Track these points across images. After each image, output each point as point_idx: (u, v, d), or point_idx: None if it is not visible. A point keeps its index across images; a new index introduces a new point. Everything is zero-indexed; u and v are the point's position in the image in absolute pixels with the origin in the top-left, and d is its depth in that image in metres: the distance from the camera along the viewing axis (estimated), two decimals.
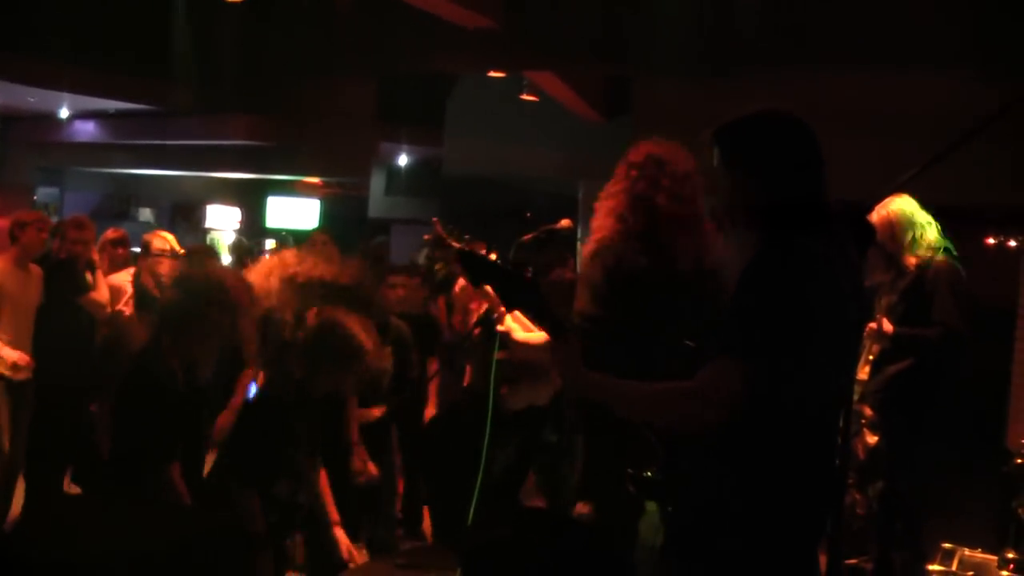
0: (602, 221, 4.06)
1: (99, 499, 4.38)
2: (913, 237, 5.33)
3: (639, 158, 4.04)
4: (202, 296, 4.33)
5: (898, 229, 5.32)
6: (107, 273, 7.27)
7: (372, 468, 5.64)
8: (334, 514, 4.55)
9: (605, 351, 2.69)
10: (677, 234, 3.94)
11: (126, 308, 6.94)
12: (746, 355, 2.42)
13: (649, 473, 2.77)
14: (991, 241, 14.71)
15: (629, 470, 2.82)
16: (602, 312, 3.83)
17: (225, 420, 5.27)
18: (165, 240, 7.27)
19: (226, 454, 4.44)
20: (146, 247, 7.23)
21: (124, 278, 7.14)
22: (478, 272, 3.03)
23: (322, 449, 4.61)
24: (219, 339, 4.48)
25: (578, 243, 14.26)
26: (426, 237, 4.35)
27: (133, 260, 7.72)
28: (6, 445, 6.35)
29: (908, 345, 5.29)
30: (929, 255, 5.31)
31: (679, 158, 4.00)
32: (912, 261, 5.32)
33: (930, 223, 5.36)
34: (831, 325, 2.50)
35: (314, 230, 9.51)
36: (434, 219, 4.40)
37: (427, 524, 7.08)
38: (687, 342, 2.69)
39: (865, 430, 5.37)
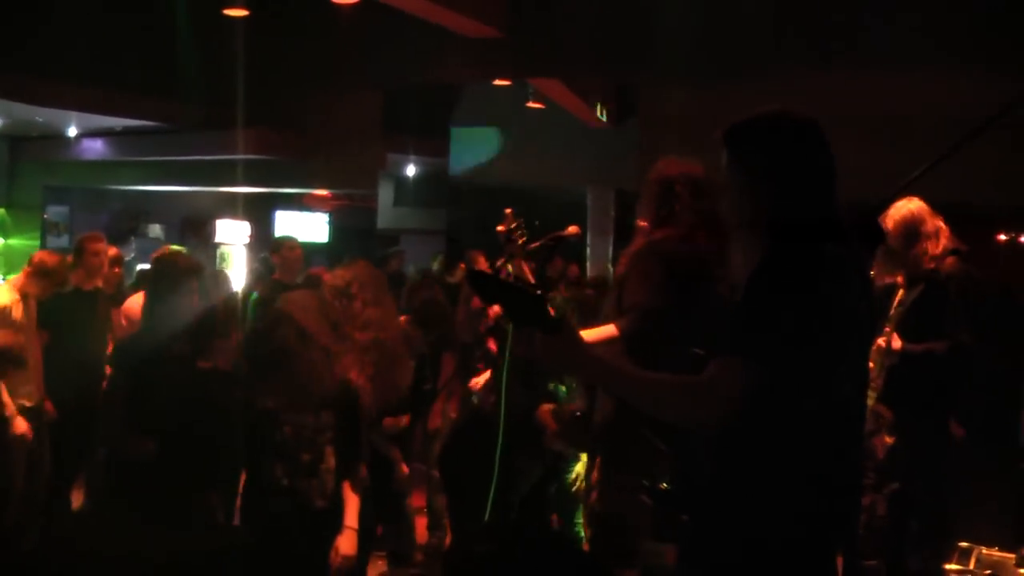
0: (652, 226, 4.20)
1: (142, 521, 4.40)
2: (923, 245, 5.28)
3: (675, 172, 4.23)
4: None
5: (908, 236, 5.28)
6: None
7: (404, 469, 5.66)
8: (350, 519, 4.52)
9: (665, 342, 2.70)
10: (716, 239, 4.04)
11: None
12: (750, 354, 2.42)
13: (665, 485, 2.76)
14: (1003, 238, 14.67)
15: (645, 483, 2.81)
16: (662, 304, 3.94)
17: None
18: None
19: None
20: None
21: (138, 301, 6.87)
22: (488, 291, 3.01)
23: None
24: None
25: (586, 248, 14.30)
26: (500, 229, 4.35)
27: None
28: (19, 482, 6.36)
29: (917, 361, 5.26)
30: (934, 265, 5.27)
31: (703, 172, 4.20)
32: (923, 268, 5.29)
33: (940, 229, 5.31)
34: (841, 325, 2.49)
35: (282, 238, 9.49)
36: (507, 210, 4.40)
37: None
38: (696, 350, 2.68)
39: (883, 431, 5.35)
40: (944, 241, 5.30)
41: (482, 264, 7.49)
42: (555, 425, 5.26)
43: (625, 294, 4.17)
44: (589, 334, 4.03)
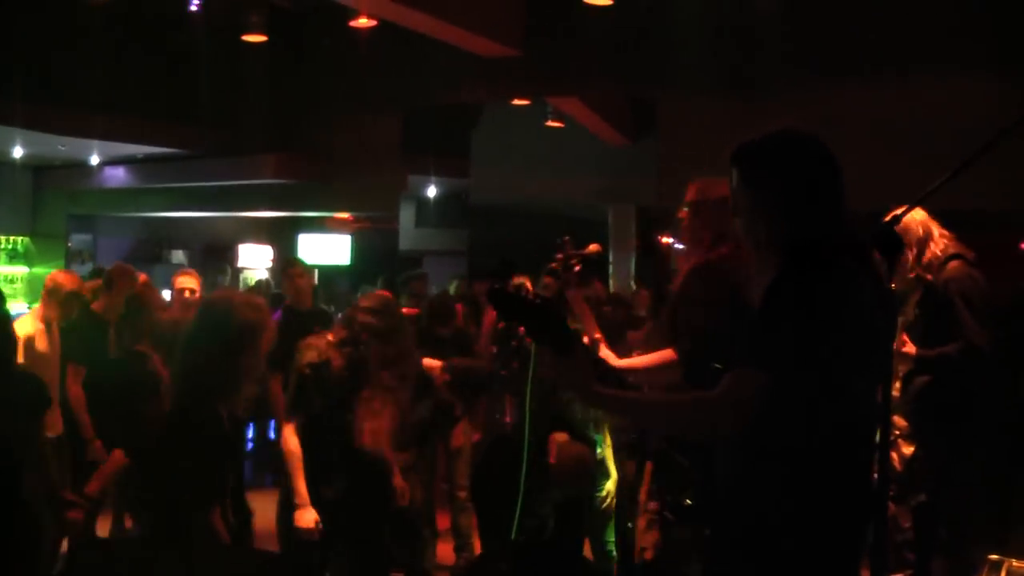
0: (703, 237, 4.08)
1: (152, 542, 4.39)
2: (917, 251, 5.23)
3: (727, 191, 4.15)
4: (245, 337, 4.33)
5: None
6: None
7: (418, 490, 5.64)
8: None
9: (725, 363, 2.67)
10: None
11: None
12: (759, 364, 2.45)
13: (688, 500, 2.76)
14: None
15: (667, 498, 2.81)
16: (723, 327, 3.87)
17: None
18: (193, 279, 7.36)
19: None
20: (173, 287, 7.37)
21: None
22: (507, 308, 2.99)
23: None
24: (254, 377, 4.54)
25: (609, 266, 14.27)
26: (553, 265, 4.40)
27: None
28: None
29: (930, 366, 5.21)
30: (931, 272, 5.20)
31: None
32: (920, 274, 5.23)
33: (932, 237, 5.25)
34: (855, 337, 2.50)
35: (294, 259, 9.25)
36: (565, 238, 4.44)
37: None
38: (715, 365, 2.68)
39: (900, 441, 5.30)
40: (936, 249, 5.23)
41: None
42: (554, 459, 5.23)
43: (683, 315, 4.06)
44: (646, 359, 4.04)
